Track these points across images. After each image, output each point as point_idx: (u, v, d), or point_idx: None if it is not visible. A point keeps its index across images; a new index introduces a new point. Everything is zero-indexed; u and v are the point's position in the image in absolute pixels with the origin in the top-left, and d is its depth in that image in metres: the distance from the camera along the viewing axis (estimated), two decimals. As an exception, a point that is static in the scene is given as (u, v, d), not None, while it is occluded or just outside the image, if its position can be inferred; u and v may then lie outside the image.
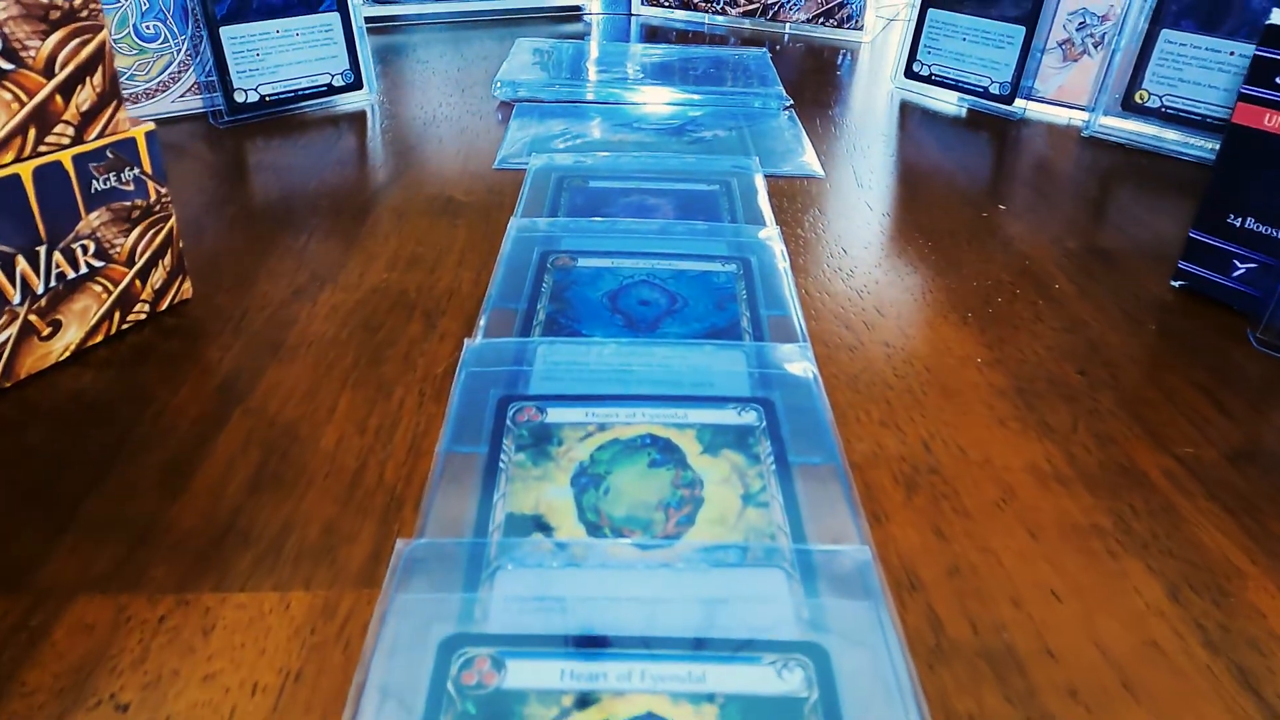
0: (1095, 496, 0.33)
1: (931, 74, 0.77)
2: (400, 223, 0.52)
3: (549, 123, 0.68)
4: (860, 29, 0.95)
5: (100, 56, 0.37)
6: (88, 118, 0.37)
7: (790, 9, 0.96)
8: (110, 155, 0.38)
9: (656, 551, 0.29)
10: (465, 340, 0.40)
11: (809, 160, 0.63)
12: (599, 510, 0.31)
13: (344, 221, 0.52)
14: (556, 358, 0.39)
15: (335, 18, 0.69)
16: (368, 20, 0.93)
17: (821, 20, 0.96)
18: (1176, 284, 0.47)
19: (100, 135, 0.38)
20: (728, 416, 0.35)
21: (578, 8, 1.03)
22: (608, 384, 0.37)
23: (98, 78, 0.37)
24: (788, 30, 0.98)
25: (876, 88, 0.81)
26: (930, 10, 0.76)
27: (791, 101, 0.73)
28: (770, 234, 0.50)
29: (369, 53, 0.72)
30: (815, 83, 0.82)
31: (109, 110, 0.38)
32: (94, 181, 0.38)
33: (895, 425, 0.36)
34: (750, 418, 0.35)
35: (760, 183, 0.58)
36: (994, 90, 0.73)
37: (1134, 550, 0.30)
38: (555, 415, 0.35)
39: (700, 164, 0.60)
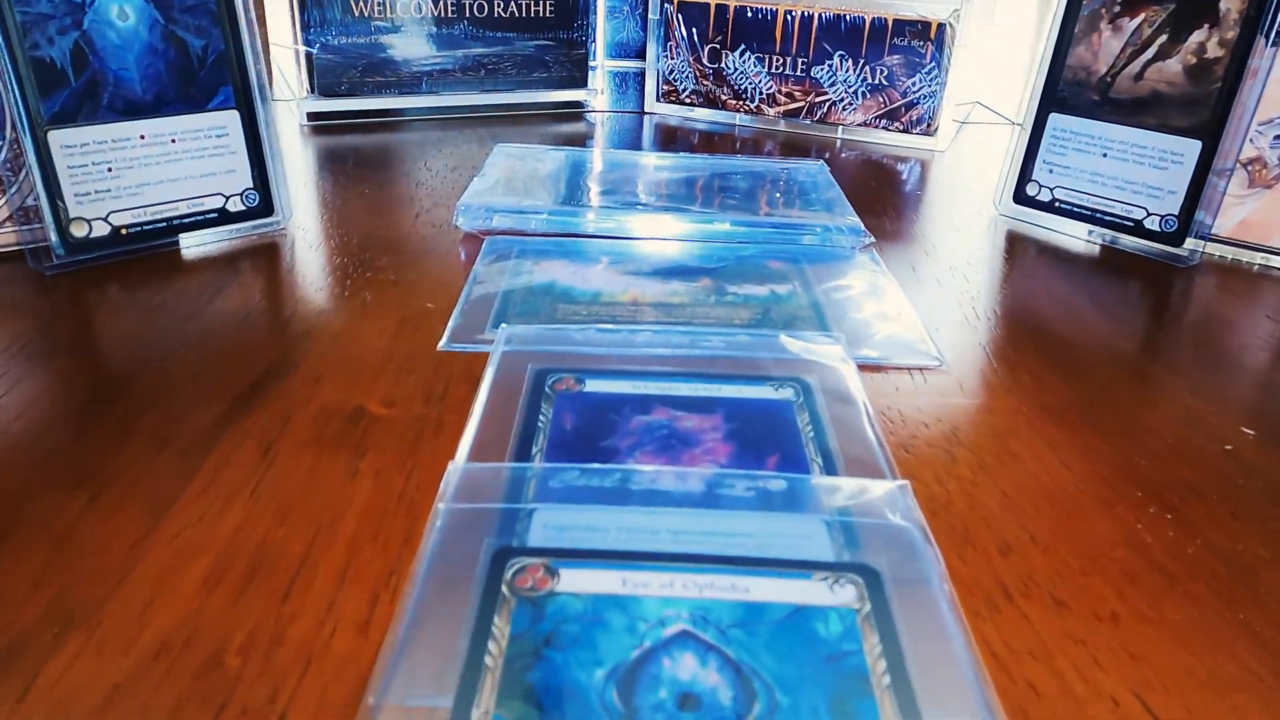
0: None
1: (1054, 200, 0.57)
2: (263, 466, 0.31)
3: (528, 268, 0.47)
4: (932, 134, 0.75)
5: None
6: None
7: (843, 109, 0.77)
8: None
9: None
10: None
11: (916, 337, 0.42)
12: None
13: (165, 463, 0.31)
14: None
15: (233, 117, 0.49)
16: (312, 118, 0.73)
17: (884, 123, 0.76)
18: None
19: None
20: None
21: (579, 104, 0.84)
22: None
23: None
24: (840, 135, 0.78)
25: (972, 214, 0.61)
26: (1053, 116, 0.56)
27: (872, 238, 0.52)
28: (899, 504, 0.28)
29: (283, 164, 0.52)
30: (886, 206, 0.62)
31: None
32: None
33: None
34: None
35: (854, 382, 0.36)
36: (1151, 225, 0.53)
37: None
38: None
39: (757, 345, 0.39)
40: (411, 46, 0.76)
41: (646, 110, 0.84)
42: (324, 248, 0.50)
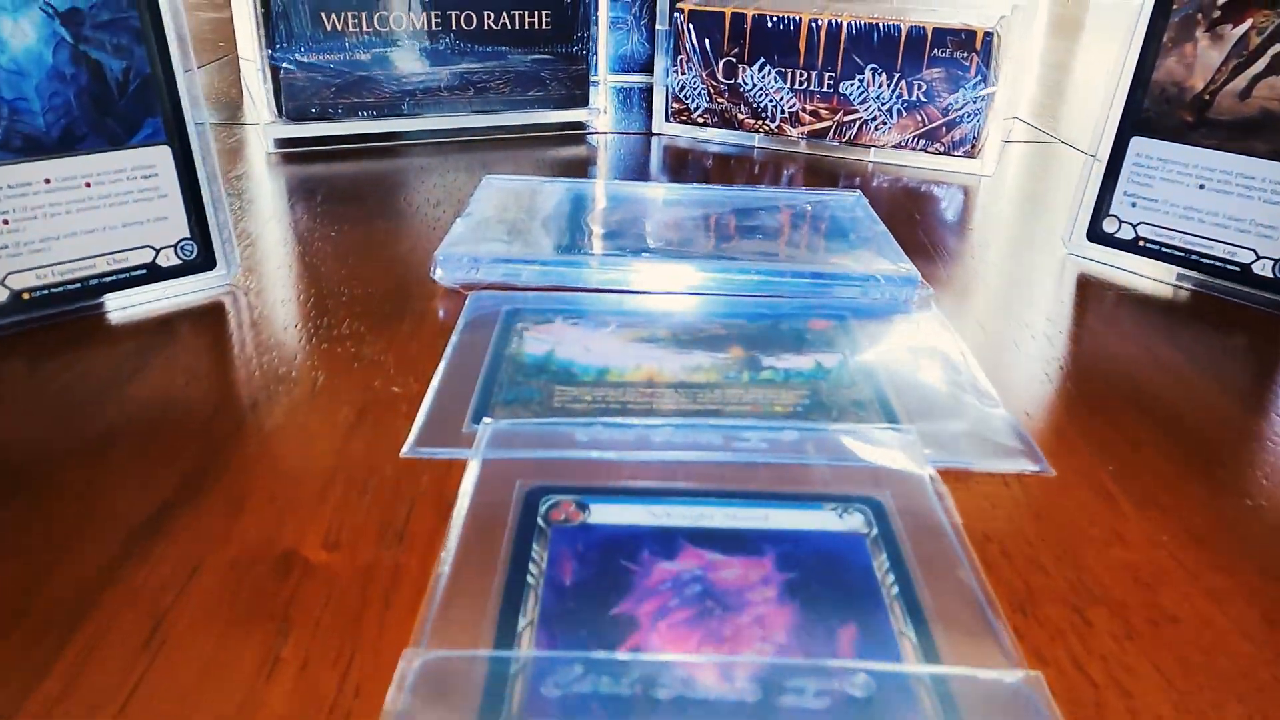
0: None
1: (1138, 238, 0.48)
2: (145, 657, 0.22)
3: (519, 334, 0.39)
4: (976, 156, 0.67)
5: None
6: None
7: (876, 129, 0.69)
8: None
9: None
10: None
11: (1005, 426, 0.33)
12: None
13: (9, 653, 0.22)
14: None
15: (163, 153, 0.41)
16: (283, 144, 0.65)
17: (922, 144, 0.68)
18: None
19: None
20: None
21: (579, 125, 0.75)
22: None
23: None
24: (872, 158, 0.70)
25: (1036, 253, 0.53)
26: (1136, 140, 0.48)
27: (930, 289, 0.44)
28: (1032, 712, 0.20)
29: (227, 207, 0.43)
30: (935, 244, 0.53)
31: None
32: None
33: None
34: None
35: (939, 500, 0.28)
36: (1261, 270, 0.44)
37: None
38: None
39: (809, 444, 0.31)
40: (392, 64, 0.68)
41: (654, 131, 0.76)
42: (276, 309, 0.42)
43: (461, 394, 0.34)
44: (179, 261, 0.42)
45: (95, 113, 0.39)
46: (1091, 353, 0.40)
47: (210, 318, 0.41)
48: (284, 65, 0.65)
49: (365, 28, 0.66)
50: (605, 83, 0.75)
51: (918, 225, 0.57)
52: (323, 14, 0.65)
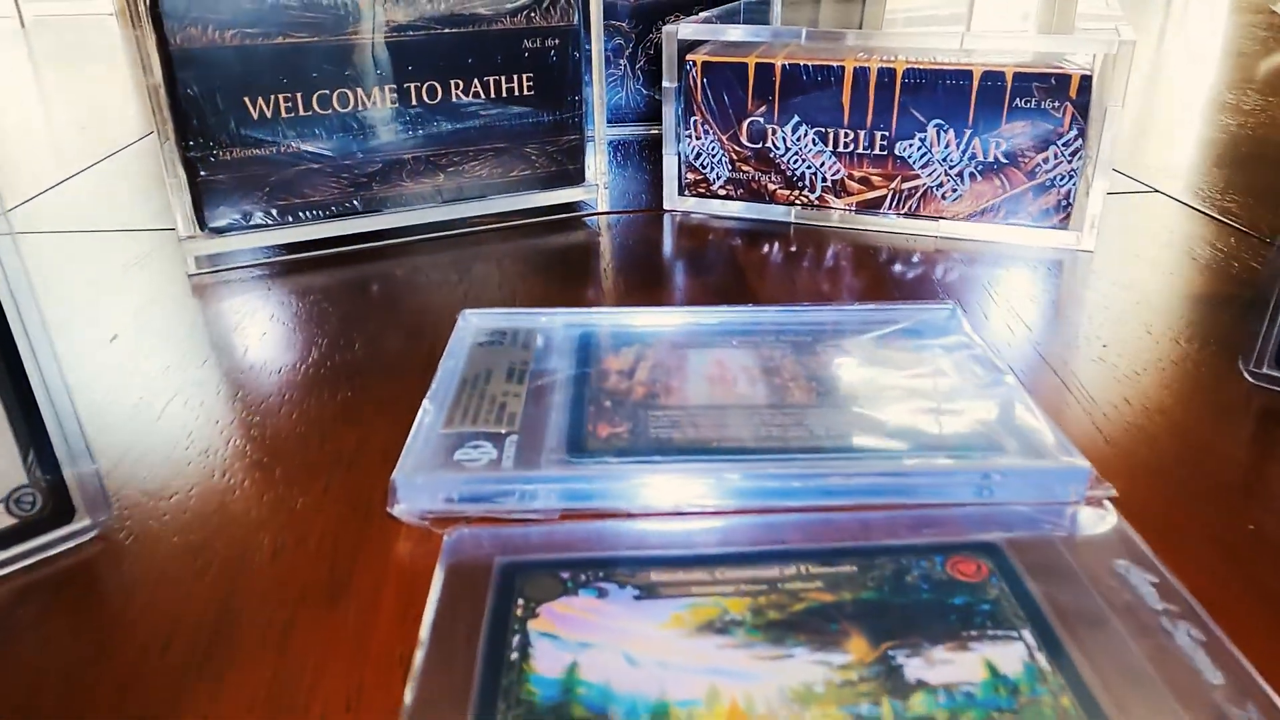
0: None
1: (1363, 370, 0.35)
2: None
3: (521, 621, 0.25)
4: (1072, 229, 0.54)
5: None
6: None
7: (943, 197, 0.56)
8: None
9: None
10: None
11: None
12: None
13: None
14: None
15: (-25, 374, 0.27)
16: (204, 263, 0.52)
17: (1004, 214, 0.55)
18: None
19: None
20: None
21: (575, 206, 0.62)
22: None
23: None
24: (938, 233, 0.56)
25: (1202, 380, 0.39)
26: (1354, 237, 0.35)
27: (1110, 488, 0.31)
28: None
29: (83, 432, 0.30)
30: (1066, 378, 0.40)
31: None
32: None
33: None
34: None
35: None
36: None
37: None
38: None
39: None
40: (340, 151, 0.54)
41: (666, 209, 0.62)
42: (158, 600, 0.28)
43: (434, 799, 0.21)
44: (14, 520, 0.29)
45: None
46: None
47: (60, 608, 0.27)
48: (201, 166, 0.51)
49: (303, 110, 0.53)
50: (600, 152, 0.62)
51: (1030, 343, 0.43)
52: (247, 99, 0.51)
